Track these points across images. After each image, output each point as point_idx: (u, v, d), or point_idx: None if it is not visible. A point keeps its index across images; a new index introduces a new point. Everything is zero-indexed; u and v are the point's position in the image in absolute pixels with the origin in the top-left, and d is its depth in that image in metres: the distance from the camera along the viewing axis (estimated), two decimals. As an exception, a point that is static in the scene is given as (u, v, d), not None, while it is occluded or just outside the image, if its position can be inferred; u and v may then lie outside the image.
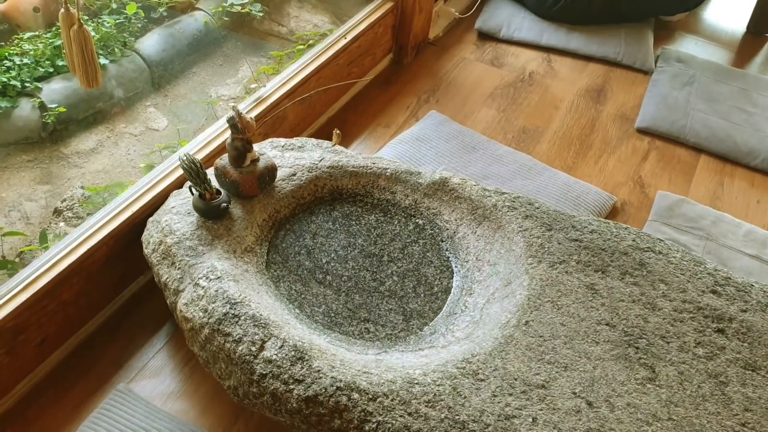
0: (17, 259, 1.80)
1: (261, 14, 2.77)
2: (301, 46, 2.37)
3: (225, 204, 1.40)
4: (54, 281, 1.32)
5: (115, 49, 2.39)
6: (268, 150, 1.64)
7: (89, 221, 1.42)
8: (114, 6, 2.45)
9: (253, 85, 2.32)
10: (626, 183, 2.06)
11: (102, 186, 1.84)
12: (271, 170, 1.50)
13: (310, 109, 2.04)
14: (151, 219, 1.45)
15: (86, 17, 2.38)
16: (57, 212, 1.98)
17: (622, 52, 2.54)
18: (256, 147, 1.50)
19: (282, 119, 1.90)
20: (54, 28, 2.33)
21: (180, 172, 1.56)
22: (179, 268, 1.32)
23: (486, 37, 2.62)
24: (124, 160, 2.25)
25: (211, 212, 1.40)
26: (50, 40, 2.28)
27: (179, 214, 1.42)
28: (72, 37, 1.07)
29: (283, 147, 1.66)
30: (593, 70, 2.51)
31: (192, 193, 1.41)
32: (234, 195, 1.47)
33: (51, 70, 2.24)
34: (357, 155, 1.66)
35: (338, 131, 1.59)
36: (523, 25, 2.63)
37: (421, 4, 2.30)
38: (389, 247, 1.49)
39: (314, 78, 1.97)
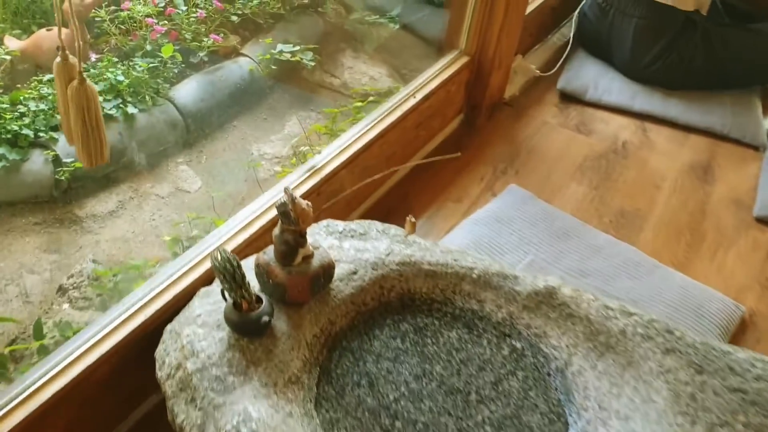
0: (6, 350, 1.47)
1: (312, 63, 2.46)
2: (359, 103, 2.05)
3: (267, 317, 1.05)
4: (35, 414, 0.98)
5: (146, 97, 2.09)
6: (322, 237, 1.29)
7: (87, 331, 1.08)
8: (148, 48, 2.16)
9: (303, 147, 1.99)
10: (752, 286, 1.67)
11: (115, 268, 1.50)
12: (328, 269, 1.15)
13: (365, 187, 1.70)
14: (169, 328, 1.11)
15: (116, 59, 2.09)
16: (62, 290, 1.65)
17: (730, 123, 2.17)
18: (308, 231, 1.16)
19: (336, 192, 1.56)
20: (78, 71, 2.04)
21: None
22: (201, 409, 0.96)
23: (569, 98, 2.27)
24: (147, 227, 1.92)
25: (248, 327, 1.05)
26: (73, 85, 1.98)
27: (206, 327, 1.07)
28: (70, 96, 0.73)
29: (341, 233, 1.31)
30: (695, 143, 2.14)
31: (225, 299, 1.06)
32: (278, 301, 1.12)
33: (70, 118, 1.94)
34: (433, 247, 1.31)
35: (413, 219, 1.24)
36: (613, 86, 2.28)
37: (501, 58, 1.96)
38: (478, 379, 1.12)
39: (378, 143, 1.63)
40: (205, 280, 1.22)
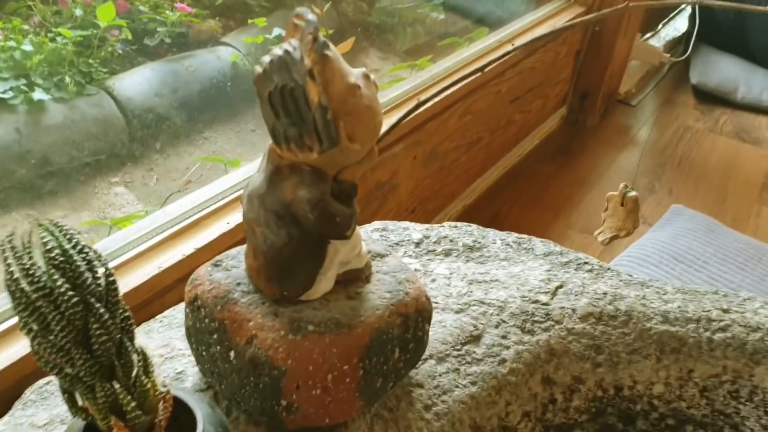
0: None
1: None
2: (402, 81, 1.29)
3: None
4: None
5: (67, 79, 1.31)
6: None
7: None
8: (78, 12, 1.41)
9: None
10: None
11: None
12: (414, 318, 0.34)
13: (438, 184, 0.92)
14: None
15: (28, 27, 1.34)
16: None
17: None
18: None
19: (388, 190, 0.78)
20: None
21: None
22: None
23: (708, 98, 1.52)
24: None
25: None
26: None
27: None
28: None
29: (418, 246, 0.51)
30: None
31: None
32: (258, 413, 0.30)
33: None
34: (652, 282, 0.51)
35: (631, 189, 0.44)
36: None
37: (630, 19, 1.22)
38: None
39: (457, 110, 0.86)
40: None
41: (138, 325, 0.50)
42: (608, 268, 0.53)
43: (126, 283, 0.52)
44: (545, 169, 1.18)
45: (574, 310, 0.47)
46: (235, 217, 0.59)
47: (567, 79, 1.25)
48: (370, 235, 0.55)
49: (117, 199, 1.31)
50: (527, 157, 1.19)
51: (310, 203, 0.30)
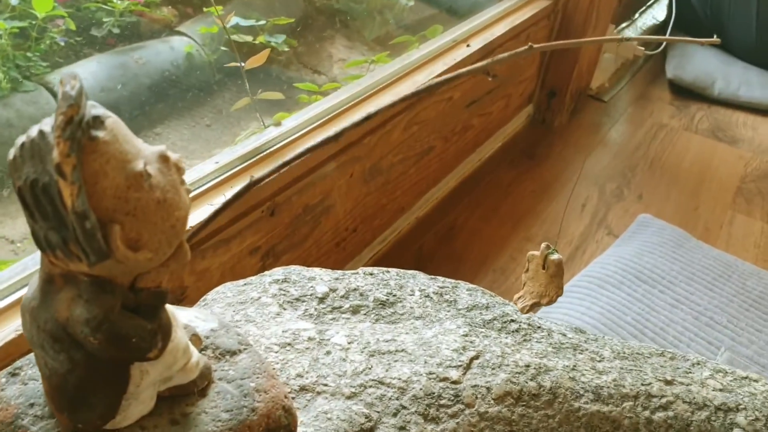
0: None
1: (285, 49, 1.61)
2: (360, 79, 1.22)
3: None
4: None
5: (0, 75, 1.23)
6: (263, 315, 0.42)
7: None
8: (14, 2, 1.31)
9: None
10: None
11: None
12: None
13: (384, 198, 0.85)
14: None
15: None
16: None
17: None
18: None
19: (320, 213, 0.71)
20: None
21: None
22: None
23: (685, 93, 1.45)
24: None
25: None
26: None
27: None
28: None
29: (322, 302, 0.44)
30: None
31: None
32: None
33: None
34: (603, 341, 0.44)
35: (553, 251, 0.37)
36: (751, 78, 1.46)
37: (599, 10, 1.15)
38: None
39: (402, 121, 0.79)
40: None
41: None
42: (538, 327, 0.46)
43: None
44: (507, 176, 1.11)
45: (489, 389, 0.40)
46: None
47: (533, 77, 1.18)
48: (260, 288, 0.47)
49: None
50: (488, 162, 1.12)
51: (90, 325, 0.23)
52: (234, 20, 1.50)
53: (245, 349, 0.32)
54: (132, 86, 1.41)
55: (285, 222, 0.69)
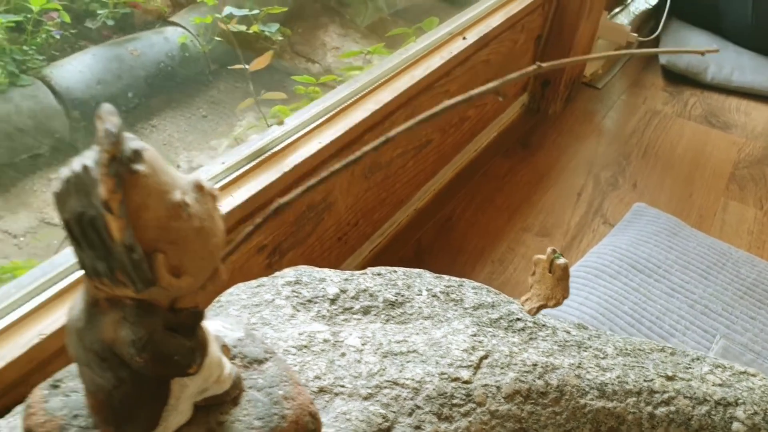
0: None
1: (279, 38, 1.60)
2: (356, 72, 1.22)
3: None
4: None
5: None
6: (278, 317, 0.43)
7: None
8: None
9: (255, 137, 1.14)
10: None
11: None
12: None
13: (384, 192, 0.86)
14: None
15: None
16: None
17: None
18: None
19: (322, 210, 0.72)
20: None
21: None
22: None
23: (678, 79, 1.46)
24: None
25: None
26: None
27: None
28: None
29: (334, 303, 0.46)
30: None
31: None
32: None
33: None
34: (595, 339, 0.46)
35: (558, 256, 0.38)
36: (744, 63, 1.48)
37: (593, 1, 1.16)
38: None
39: (400, 115, 0.80)
40: None
41: (12, 407, 0.44)
42: (543, 325, 0.48)
43: (2, 356, 0.46)
44: (503, 166, 1.12)
45: (498, 388, 0.42)
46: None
47: (527, 66, 1.19)
48: (273, 290, 0.49)
49: (53, 199, 1.23)
50: (484, 152, 1.13)
51: (136, 345, 0.24)
52: (227, 10, 1.50)
53: (271, 357, 0.33)
54: (128, 78, 1.41)
55: (290, 220, 0.70)
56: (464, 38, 0.94)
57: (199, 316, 0.26)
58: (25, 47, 1.29)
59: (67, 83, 1.33)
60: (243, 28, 1.54)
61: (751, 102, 1.41)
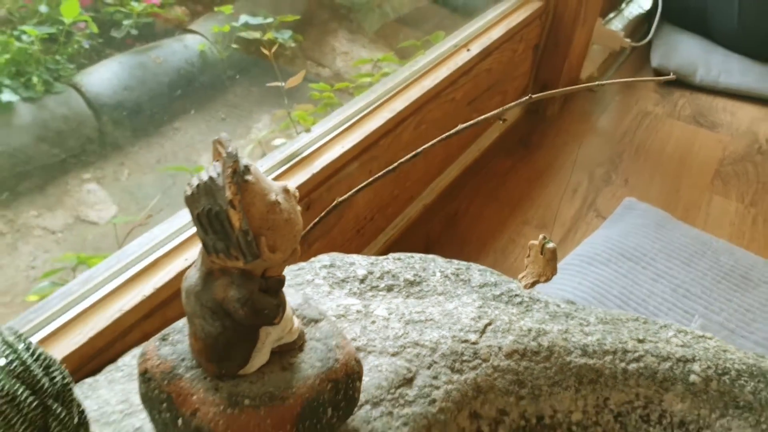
0: None
1: (292, 45, 1.71)
2: (367, 78, 1.32)
3: None
4: None
5: (34, 79, 1.33)
6: (320, 292, 0.53)
7: None
8: (43, 9, 1.41)
9: (278, 141, 1.25)
10: None
11: None
12: (344, 381, 0.38)
13: (397, 189, 0.96)
14: None
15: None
16: None
17: None
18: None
19: (345, 205, 0.81)
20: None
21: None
22: None
23: (670, 81, 1.55)
24: (20, 278, 1.15)
25: None
26: None
27: None
28: None
29: (362, 283, 0.56)
30: None
31: None
32: None
33: None
34: (579, 311, 0.56)
35: (548, 240, 0.49)
36: (731, 66, 1.57)
37: (587, 8, 1.25)
38: None
39: (411, 123, 0.90)
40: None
41: (103, 367, 0.54)
42: (537, 299, 0.58)
43: (92, 327, 0.56)
44: (504, 164, 1.22)
45: (500, 348, 0.51)
46: (192, 254, 0.63)
47: (526, 73, 1.28)
48: (313, 272, 0.59)
49: (90, 197, 1.35)
50: (487, 151, 1.23)
51: (240, 301, 0.34)
52: (242, 18, 1.62)
53: (323, 318, 0.43)
54: (152, 84, 1.52)
55: (317, 215, 0.80)
56: (468, 50, 1.04)
57: (282, 282, 0.36)
58: (57, 57, 1.39)
59: (96, 89, 1.44)
60: (257, 35, 1.65)
61: (737, 102, 1.51)
